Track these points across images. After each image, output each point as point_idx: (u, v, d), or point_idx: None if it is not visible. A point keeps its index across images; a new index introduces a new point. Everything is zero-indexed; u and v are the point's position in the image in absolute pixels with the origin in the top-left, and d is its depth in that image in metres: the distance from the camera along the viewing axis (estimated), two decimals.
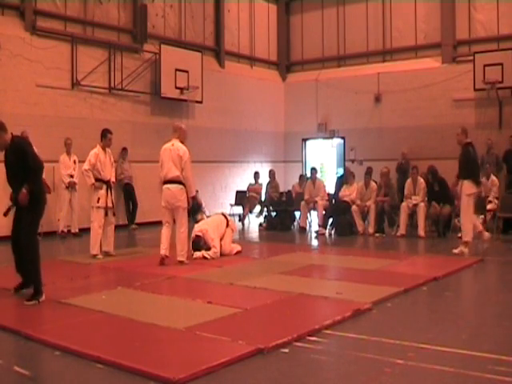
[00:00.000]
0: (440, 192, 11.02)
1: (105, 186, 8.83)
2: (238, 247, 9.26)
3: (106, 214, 8.84)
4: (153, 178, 13.48)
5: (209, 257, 8.58)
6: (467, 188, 8.88)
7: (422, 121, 15.38)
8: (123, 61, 13.30)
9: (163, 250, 8.16)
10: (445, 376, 3.85)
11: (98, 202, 8.77)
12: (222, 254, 8.79)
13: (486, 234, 9.70)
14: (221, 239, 8.93)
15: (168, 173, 8.05)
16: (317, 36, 17.81)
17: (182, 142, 8.24)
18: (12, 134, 6.23)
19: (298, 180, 14.45)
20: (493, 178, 11.62)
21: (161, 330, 4.87)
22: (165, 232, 8.25)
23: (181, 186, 8.05)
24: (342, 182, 13.46)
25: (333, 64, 17.58)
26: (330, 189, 13.92)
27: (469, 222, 8.95)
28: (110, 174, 8.97)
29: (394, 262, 8.26)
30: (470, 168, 8.97)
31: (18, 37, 11.57)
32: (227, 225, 9.19)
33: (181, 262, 8.11)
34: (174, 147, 8.12)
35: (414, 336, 4.66)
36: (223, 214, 9.51)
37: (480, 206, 10.91)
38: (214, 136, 15.73)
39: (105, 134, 8.94)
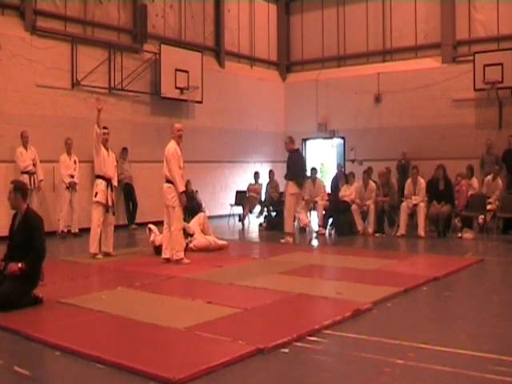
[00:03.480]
0: (445, 191, 11.04)
1: (105, 183, 8.80)
2: (213, 240, 9.61)
3: (107, 211, 8.83)
4: (153, 178, 13.53)
5: (191, 244, 9.18)
6: (290, 188, 10.30)
7: (422, 121, 15.38)
8: (123, 61, 13.29)
9: (164, 254, 8.34)
10: (445, 376, 3.85)
11: (95, 196, 8.73)
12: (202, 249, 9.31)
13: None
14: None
15: (164, 172, 8.32)
16: (317, 36, 17.81)
17: (177, 142, 8.38)
18: (28, 205, 6.04)
19: None
20: (499, 180, 11.58)
21: (161, 329, 4.87)
22: (164, 235, 8.41)
23: (169, 185, 8.22)
24: (336, 181, 13.51)
25: (333, 64, 17.58)
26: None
27: (290, 216, 10.43)
28: (111, 172, 8.95)
29: (393, 261, 8.26)
30: (292, 171, 10.37)
31: (18, 37, 11.56)
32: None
33: (177, 262, 8.15)
34: (167, 147, 8.37)
35: (414, 336, 4.66)
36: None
37: (480, 206, 10.94)
38: (214, 136, 15.73)
39: None
